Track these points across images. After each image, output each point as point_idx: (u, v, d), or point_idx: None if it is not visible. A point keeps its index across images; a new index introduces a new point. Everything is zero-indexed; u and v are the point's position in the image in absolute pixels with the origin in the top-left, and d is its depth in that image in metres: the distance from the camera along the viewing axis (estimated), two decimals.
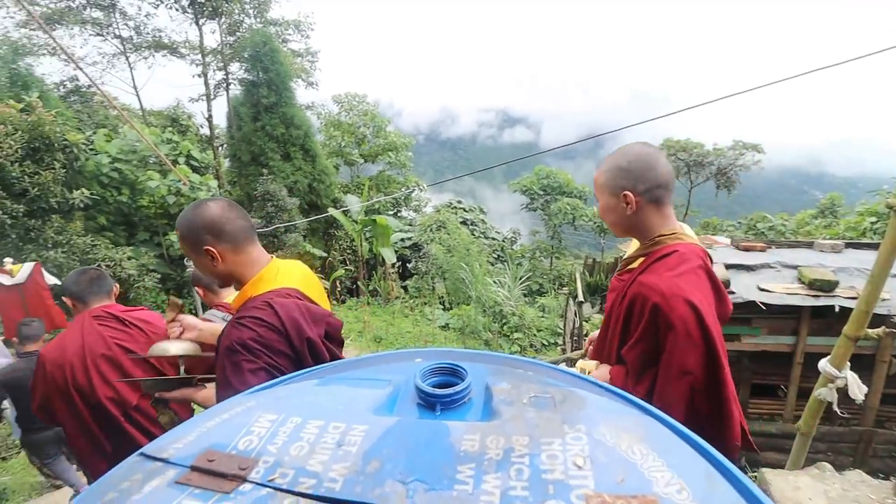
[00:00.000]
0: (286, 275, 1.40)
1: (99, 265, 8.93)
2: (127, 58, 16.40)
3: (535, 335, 12.26)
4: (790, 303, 4.31)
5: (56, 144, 8.80)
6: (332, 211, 13.03)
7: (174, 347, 1.49)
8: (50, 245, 8.61)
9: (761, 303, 4.32)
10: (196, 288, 2.41)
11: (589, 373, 1.39)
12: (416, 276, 14.40)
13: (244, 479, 0.45)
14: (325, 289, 12.58)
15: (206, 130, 17.09)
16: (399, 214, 19.51)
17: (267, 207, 11.14)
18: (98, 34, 15.81)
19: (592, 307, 12.57)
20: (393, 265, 13.85)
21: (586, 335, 8.41)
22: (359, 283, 14.25)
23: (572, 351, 7.82)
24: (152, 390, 1.55)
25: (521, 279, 13.96)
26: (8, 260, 4.52)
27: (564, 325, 10.95)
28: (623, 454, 0.49)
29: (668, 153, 20.99)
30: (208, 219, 1.29)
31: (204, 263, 1.32)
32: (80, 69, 3.32)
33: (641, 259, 1.30)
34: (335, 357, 1.39)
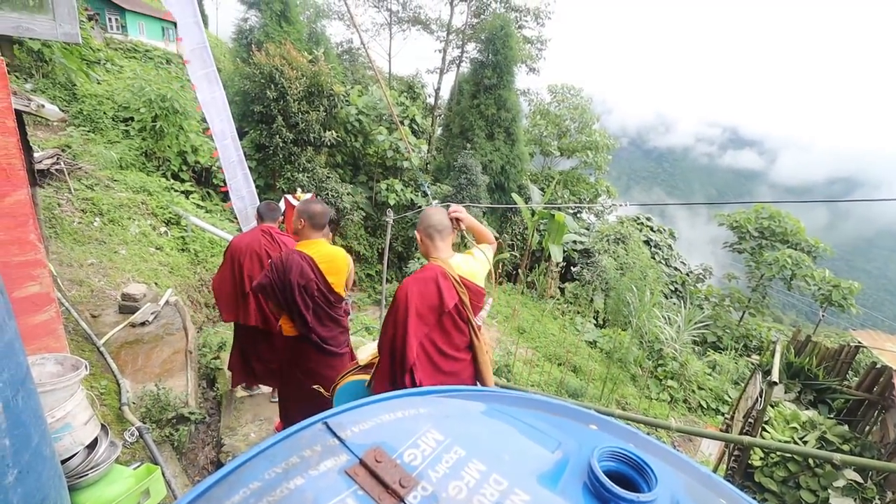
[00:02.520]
0: (314, 249, 2.44)
1: (327, 193, 11.08)
2: (390, 28, 19.30)
3: (693, 392, 10.47)
4: None
5: (325, 92, 11.04)
6: (515, 198, 13.23)
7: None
8: (300, 169, 11.02)
9: None
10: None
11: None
12: (577, 282, 13.71)
13: (402, 500, 0.45)
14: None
15: (431, 100, 19.13)
16: (578, 215, 18.66)
17: (460, 178, 11.95)
18: (375, 6, 18.93)
19: (786, 392, 9.97)
20: (557, 264, 13.47)
21: (767, 422, 6.73)
22: (519, 270, 14.33)
23: (742, 433, 6.36)
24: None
25: (695, 323, 11.93)
26: (300, 189, 6.98)
27: (739, 399, 8.98)
28: None
29: None
30: (311, 211, 2.43)
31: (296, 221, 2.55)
32: (360, 35, 4.02)
33: None
34: (305, 298, 2.39)
